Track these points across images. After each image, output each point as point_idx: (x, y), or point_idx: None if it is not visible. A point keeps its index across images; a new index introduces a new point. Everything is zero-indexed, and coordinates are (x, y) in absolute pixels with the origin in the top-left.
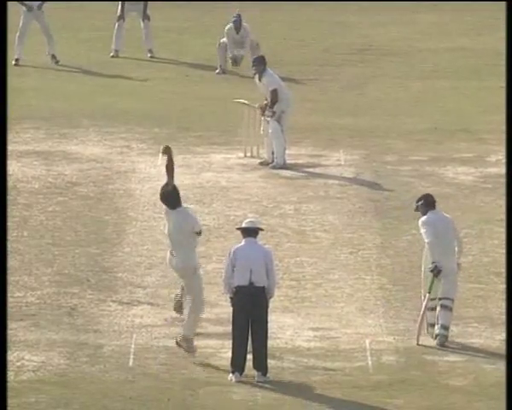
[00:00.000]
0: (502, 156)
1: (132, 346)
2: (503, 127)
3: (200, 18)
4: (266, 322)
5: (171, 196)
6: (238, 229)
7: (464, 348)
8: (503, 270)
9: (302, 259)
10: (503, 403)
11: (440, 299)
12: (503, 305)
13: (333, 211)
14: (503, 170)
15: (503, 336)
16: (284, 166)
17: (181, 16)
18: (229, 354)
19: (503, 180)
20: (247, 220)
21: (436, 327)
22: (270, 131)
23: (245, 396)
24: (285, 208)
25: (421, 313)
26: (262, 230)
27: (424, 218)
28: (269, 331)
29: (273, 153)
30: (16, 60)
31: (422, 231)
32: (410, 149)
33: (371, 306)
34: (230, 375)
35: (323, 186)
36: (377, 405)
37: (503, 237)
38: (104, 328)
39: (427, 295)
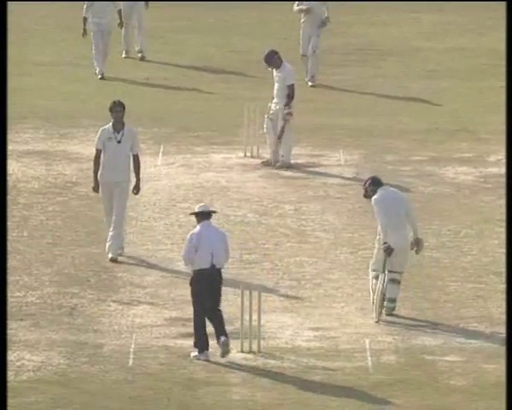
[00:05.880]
0: (502, 156)
1: (132, 346)
2: (503, 127)
3: (199, 18)
4: (220, 298)
5: None
6: (192, 214)
7: (464, 348)
8: (503, 270)
9: (302, 259)
10: (503, 403)
11: (390, 272)
12: (503, 305)
13: (333, 211)
14: (503, 170)
15: (503, 336)
16: (290, 166)
17: (181, 16)
18: (228, 354)
19: (503, 180)
20: (201, 205)
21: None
22: (279, 130)
23: (245, 396)
24: (285, 208)
25: (379, 291)
26: (215, 212)
27: (376, 196)
28: (268, 331)
29: (275, 151)
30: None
31: (375, 210)
32: (410, 149)
33: (371, 306)
34: (197, 354)
35: (323, 186)
36: (377, 405)
37: (503, 237)
38: (104, 328)
39: (381, 275)
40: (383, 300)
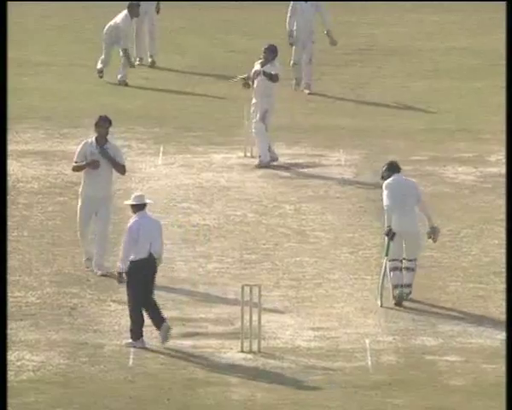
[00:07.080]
0: (502, 156)
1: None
2: (503, 127)
3: (199, 18)
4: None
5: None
6: (132, 205)
7: (464, 348)
8: (503, 270)
9: (302, 259)
10: (503, 403)
11: (404, 260)
12: (503, 305)
13: (333, 211)
14: (503, 170)
15: (503, 336)
16: (269, 165)
17: (181, 16)
18: (228, 354)
19: (503, 180)
20: (137, 195)
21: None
22: (253, 130)
23: (245, 396)
24: (285, 208)
25: (381, 276)
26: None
27: (386, 181)
28: (268, 331)
29: (271, 150)
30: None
31: (383, 194)
32: (410, 149)
33: (371, 306)
34: (131, 341)
35: (323, 186)
36: (377, 405)
37: (503, 237)
38: (104, 328)
39: (385, 259)
40: (386, 284)
